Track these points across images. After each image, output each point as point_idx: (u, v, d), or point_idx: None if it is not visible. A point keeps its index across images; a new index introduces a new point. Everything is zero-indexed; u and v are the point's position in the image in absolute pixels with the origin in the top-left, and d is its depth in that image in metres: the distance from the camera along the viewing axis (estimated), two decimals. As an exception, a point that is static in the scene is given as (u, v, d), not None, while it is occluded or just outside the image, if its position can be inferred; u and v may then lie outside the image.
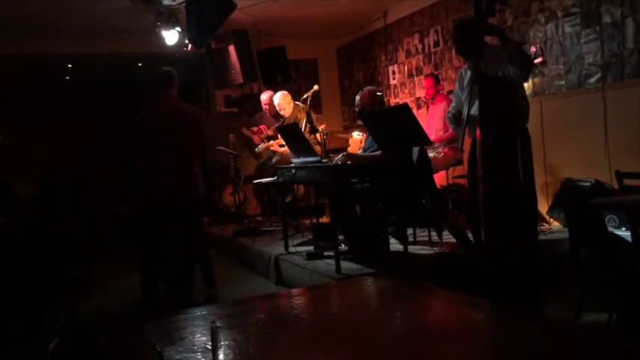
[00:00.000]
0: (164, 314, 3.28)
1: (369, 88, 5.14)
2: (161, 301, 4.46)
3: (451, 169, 5.98)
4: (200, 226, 5.10)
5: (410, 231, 5.28)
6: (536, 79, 5.86)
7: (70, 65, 9.52)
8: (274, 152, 7.04)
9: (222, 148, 7.50)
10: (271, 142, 7.10)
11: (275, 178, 5.58)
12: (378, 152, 4.65)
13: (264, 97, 7.16)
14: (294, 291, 2.70)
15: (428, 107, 6.73)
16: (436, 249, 4.93)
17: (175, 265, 4.48)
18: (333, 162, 4.63)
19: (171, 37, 7.06)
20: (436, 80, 6.43)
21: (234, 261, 6.53)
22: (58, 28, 7.34)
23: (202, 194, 4.41)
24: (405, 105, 4.47)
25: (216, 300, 4.85)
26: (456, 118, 4.07)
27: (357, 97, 4.97)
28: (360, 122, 6.77)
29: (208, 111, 9.12)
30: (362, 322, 1.75)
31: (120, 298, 5.35)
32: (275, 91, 7.07)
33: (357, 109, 5.13)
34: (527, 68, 3.90)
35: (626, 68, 5.04)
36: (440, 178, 5.89)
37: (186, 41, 7.03)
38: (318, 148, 5.52)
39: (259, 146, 7.21)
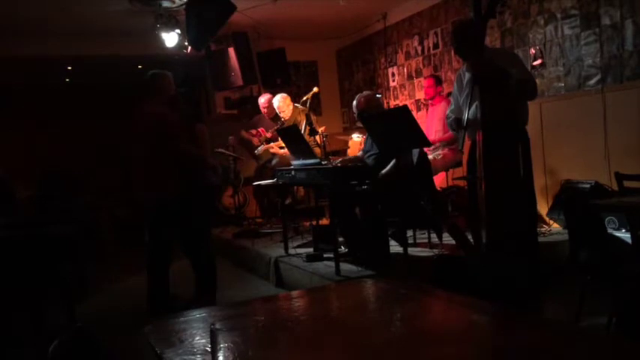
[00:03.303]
0: (164, 316, 3.28)
1: (364, 93, 5.13)
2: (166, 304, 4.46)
3: (450, 170, 5.99)
4: (199, 233, 4.68)
5: (410, 233, 5.28)
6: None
7: (69, 67, 9.53)
8: (274, 154, 7.03)
9: (222, 150, 7.50)
10: (271, 144, 7.10)
11: (275, 180, 5.58)
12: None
13: (263, 100, 7.16)
14: (294, 293, 2.71)
15: (427, 109, 6.73)
16: (436, 251, 4.92)
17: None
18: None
19: (170, 39, 7.06)
20: (437, 81, 6.42)
21: (234, 263, 6.52)
22: (57, 30, 7.34)
23: (177, 195, 4.38)
24: (405, 107, 4.47)
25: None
26: (457, 125, 4.07)
27: (354, 104, 4.97)
28: (359, 124, 6.77)
29: (208, 113, 9.12)
30: (362, 324, 1.75)
31: (120, 299, 5.35)
32: (274, 93, 7.07)
33: (355, 114, 5.14)
34: (531, 98, 3.95)
35: (626, 70, 5.05)
36: (439, 180, 5.89)
37: (186, 43, 7.03)
38: (317, 150, 5.53)
39: (259, 148, 7.21)
